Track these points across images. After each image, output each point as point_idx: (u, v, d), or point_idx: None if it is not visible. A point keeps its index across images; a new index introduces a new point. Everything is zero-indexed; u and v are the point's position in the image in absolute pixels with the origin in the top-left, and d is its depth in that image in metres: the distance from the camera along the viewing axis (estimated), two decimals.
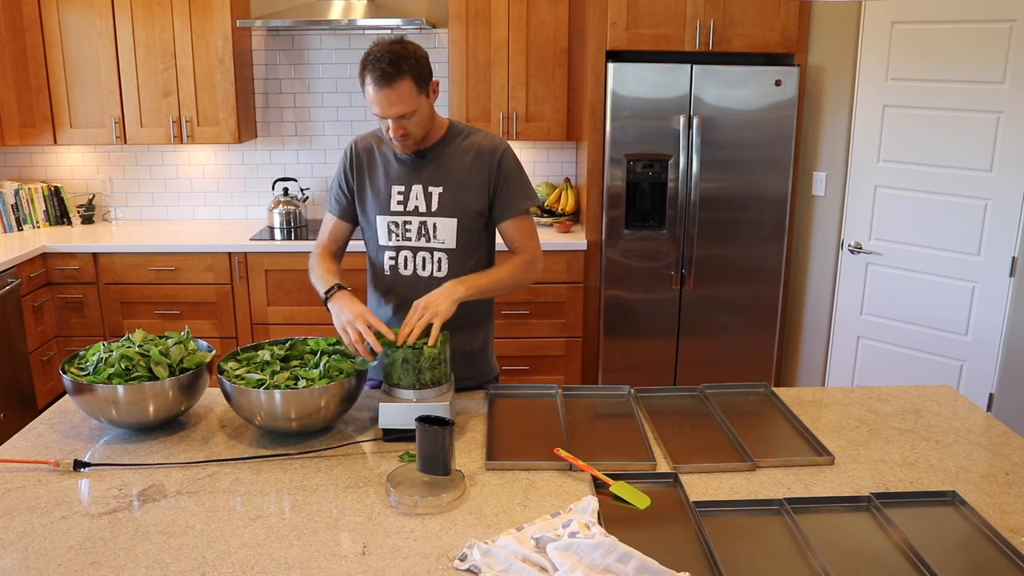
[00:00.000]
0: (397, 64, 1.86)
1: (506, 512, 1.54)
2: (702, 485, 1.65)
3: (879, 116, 3.59)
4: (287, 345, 1.98)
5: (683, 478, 1.66)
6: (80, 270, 4.00)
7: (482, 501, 1.58)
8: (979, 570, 1.39)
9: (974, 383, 3.49)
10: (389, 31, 4.33)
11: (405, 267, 2.10)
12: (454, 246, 2.08)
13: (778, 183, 3.85)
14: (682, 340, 4.02)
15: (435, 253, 2.08)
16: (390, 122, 1.94)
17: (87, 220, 4.45)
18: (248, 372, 1.84)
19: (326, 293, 1.98)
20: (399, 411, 1.80)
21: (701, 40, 3.74)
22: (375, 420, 1.93)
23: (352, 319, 1.85)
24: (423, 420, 1.60)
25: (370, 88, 1.89)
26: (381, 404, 1.82)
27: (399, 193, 2.08)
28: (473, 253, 2.12)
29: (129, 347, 1.89)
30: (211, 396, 2.05)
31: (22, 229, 4.30)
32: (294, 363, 1.91)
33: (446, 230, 2.07)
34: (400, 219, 2.08)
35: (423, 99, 1.94)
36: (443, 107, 4.44)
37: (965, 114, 3.33)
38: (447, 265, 2.09)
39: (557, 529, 1.43)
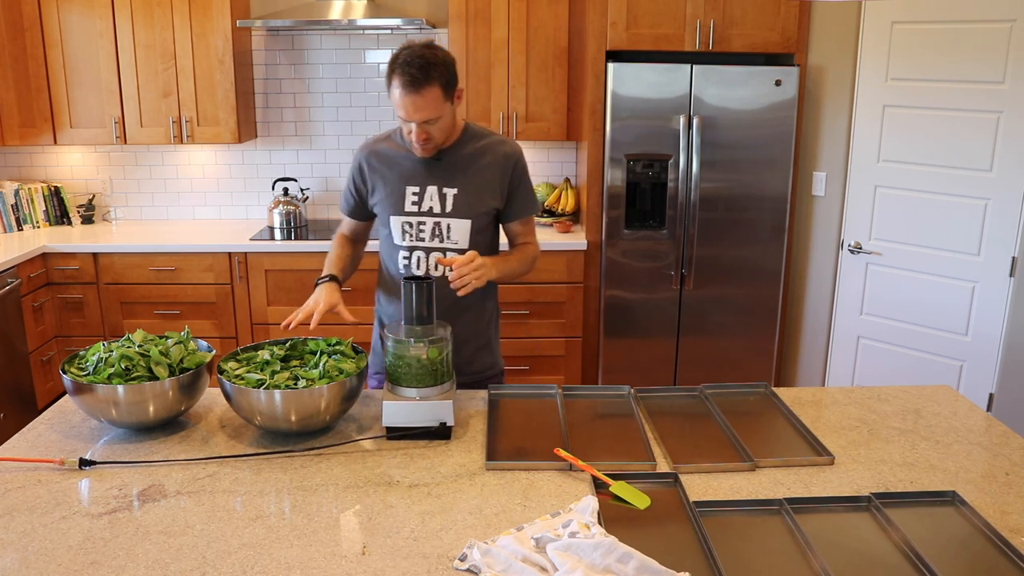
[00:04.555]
0: (426, 70, 1.89)
1: (506, 512, 1.54)
2: (702, 485, 1.65)
3: (879, 116, 3.59)
4: (287, 345, 1.99)
5: (683, 478, 1.66)
6: (80, 270, 4.00)
7: (482, 501, 1.58)
8: (979, 570, 1.38)
9: (974, 383, 3.49)
10: (389, 31, 4.33)
11: (418, 267, 2.15)
12: (466, 246, 2.13)
13: (778, 183, 3.85)
14: (682, 340, 4.02)
15: (447, 254, 2.12)
16: (413, 125, 1.98)
17: (87, 220, 4.45)
18: (248, 372, 1.84)
19: (317, 281, 2.14)
20: (403, 409, 1.81)
21: (701, 40, 3.74)
22: (377, 419, 1.93)
23: (307, 304, 2.03)
24: (410, 279, 1.82)
25: (397, 91, 1.93)
26: (385, 402, 1.82)
27: (413, 194, 2.12)
28: (482, 252, 2.17)
29: (129, 347, 1.89)
30: (211, 396, 2.05)
31: (22, 229, 4.30)
32: (294, 363, 1.91)
33: (459, 231, 2.12)
34: (414, 219, 2.13)
35: (448, 106, 1.98)
36: None
37: (965, 114, 3.33)
38: None
39: (557, 529, 1.43)
